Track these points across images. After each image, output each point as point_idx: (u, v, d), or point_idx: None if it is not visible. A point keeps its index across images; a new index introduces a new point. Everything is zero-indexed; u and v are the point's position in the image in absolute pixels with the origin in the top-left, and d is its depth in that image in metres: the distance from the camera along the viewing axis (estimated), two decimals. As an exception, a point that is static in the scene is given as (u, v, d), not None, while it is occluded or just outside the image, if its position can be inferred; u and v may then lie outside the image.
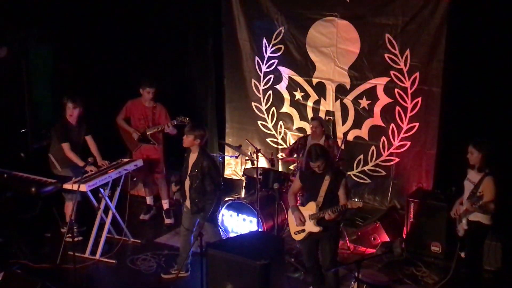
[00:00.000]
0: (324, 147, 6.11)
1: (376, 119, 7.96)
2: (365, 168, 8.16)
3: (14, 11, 8.27)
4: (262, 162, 8.21)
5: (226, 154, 8.74)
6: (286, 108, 8.62)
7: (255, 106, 8.85)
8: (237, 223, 7.50)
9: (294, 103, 8.54)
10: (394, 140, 7.88)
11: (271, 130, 8.83)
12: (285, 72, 8.48)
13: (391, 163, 7.97)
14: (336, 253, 6.15)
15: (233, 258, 5.63)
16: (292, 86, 8.49)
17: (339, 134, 8.20)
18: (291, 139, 8.65)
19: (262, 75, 8.66)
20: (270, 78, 8.61)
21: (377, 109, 7.92)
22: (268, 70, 8.60)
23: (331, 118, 8.26)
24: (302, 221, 5.97)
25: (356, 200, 6.18)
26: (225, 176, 9.03)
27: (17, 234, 7.08)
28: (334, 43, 8.01)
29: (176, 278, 6.58)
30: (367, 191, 8.20)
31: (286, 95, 8.57)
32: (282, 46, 8.39)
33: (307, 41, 8.19)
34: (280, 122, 8.71)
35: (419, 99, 7.58)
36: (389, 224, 7.53)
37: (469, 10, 6.99)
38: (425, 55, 7.44)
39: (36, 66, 8.89)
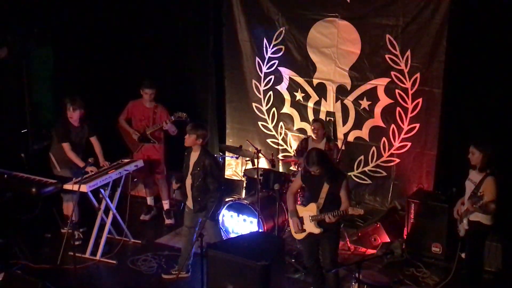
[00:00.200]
0: (323, 152, 6.02)
1: (377, 120, 7.96)
2: (366, 168, 8.16)
3: (14, 11, 8.25)
4: (263, 163, 8.21)
5: (226, 154, 8.73)
6: (287, 108, 8.62)
7: (256, 106, 8.85)
8: (237, 223, 7.50)
9: (294, 104, 8.54)
10: (394, 141, 7.88)
11: (271, 131, 8.83)
12: (286, 72, 8.47)
13: (392, 163, 7.97)
14: (337, 254, 6.14)
15: (233, 259, 5.62)
16: (293, 86, 8.48)
17: (340, 135, 8.20)
18: (292, 140, 8.64)
19: (262, 75, 8.65)
20: (271, 78, 8.61)
21: (377, 109, 7.92)
22: (268, 70, 8.60)
23: (332, 119, 8.26)
24: (300, 229, 5.98)
25: (358, 207, 6.18)
26: (225, 176, 9.02)
27: (18, 235, 7.07)
28: (334, 44, 8.00)
29: (177, 278, 6.60)
30: (368, 192, 8.20)
31: (287, 96, 8.56)
32: (283, 47, 8.39)
33: (308, 41, 8.18)
34: (281, 123, 8.70)
35: (420, 100, 7.58)
36: (390, 225, 7.52)
37: (470, 11, 7.00)
38: (426, 56, 7.44)
39: (36, 66, 8.88)
